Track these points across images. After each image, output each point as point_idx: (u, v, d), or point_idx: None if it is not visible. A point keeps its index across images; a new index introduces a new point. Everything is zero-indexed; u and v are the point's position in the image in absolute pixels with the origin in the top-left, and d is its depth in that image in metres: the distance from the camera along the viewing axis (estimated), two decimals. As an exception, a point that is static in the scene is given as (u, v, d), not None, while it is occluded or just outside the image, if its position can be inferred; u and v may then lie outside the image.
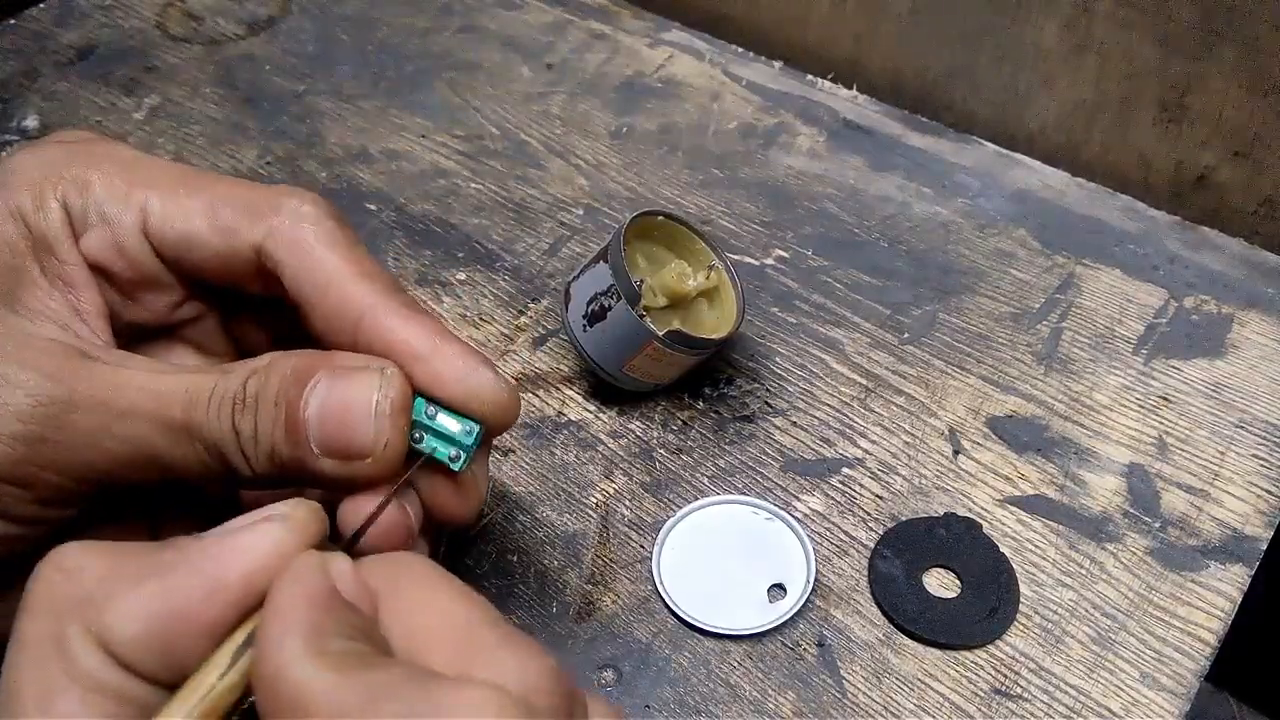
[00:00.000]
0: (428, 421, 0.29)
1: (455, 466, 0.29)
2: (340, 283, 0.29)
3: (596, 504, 0.43)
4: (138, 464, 0.28)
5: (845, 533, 0.42)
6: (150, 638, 0.21)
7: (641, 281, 0.42)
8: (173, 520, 0.32)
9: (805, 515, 0.43)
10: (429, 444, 0.29)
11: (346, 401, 0.27)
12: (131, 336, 0.32)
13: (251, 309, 0.34)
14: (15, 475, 0.27)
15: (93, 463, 0.27)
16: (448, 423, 0.29)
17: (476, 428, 0.29)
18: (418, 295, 0.52)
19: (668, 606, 0.40)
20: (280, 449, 0.27)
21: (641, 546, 0.42)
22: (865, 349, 0.49)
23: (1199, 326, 0.49)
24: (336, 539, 0.29)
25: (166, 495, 0.31)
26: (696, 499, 0.43)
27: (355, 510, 0.28)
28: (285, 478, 0.28)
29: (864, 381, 0.48)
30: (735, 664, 0.39)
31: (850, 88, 0.63)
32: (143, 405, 0.27)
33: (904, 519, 0.42)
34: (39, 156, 0.31)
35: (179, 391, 0.28)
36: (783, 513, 0.42)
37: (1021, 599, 0.40)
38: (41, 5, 0.70)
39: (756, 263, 0.53)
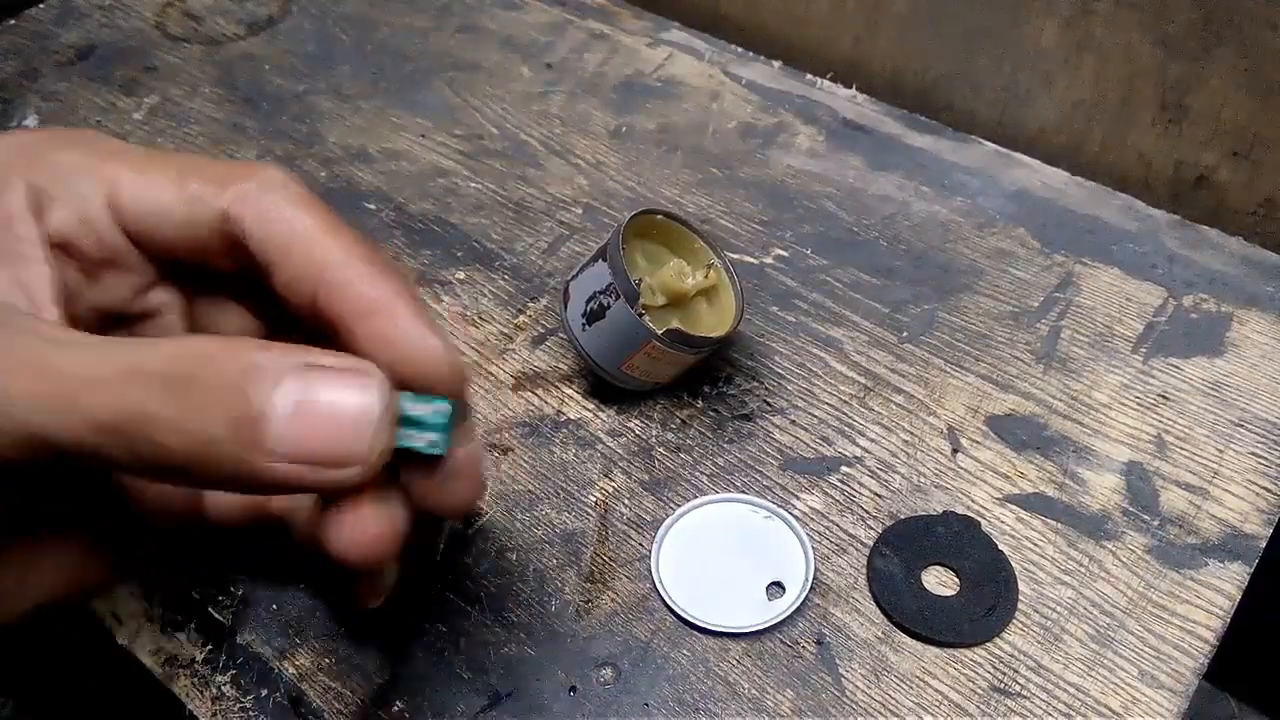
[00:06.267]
0: (403, 412, 0.26)
1: (435, 452, 0.26)
2: (305, 240, 0.28)
3: (595, 502, 0.43)
4: (27, 445, 0.23)
5: (844, 531, 0.42)
6: None
7: (640, 280, 0.42)
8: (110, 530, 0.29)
9: (804, 513, 0.43)
10: (398, 435, 0.26)
11: (335, 404, 0.24)
12: (97, 325, 0.31)
13: (225, 294, 0.33)
14: None
15: None
16: (413, 407, 0.26)
17: (447, 407, 0.26)
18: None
19: (666, 605, 0.40)
20: (218, 443, 0.23)
21: (640, 545, 0.42)
22: (864, 348, 0.49)
23: (1198, 325, 0.49)
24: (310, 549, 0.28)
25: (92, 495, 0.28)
26: (695, 497, 0.43)
27: (341, 524, 0.26)
28: (202, 476, 0.23)
29: (863, 380, 0.48)
30: (734, 662, 0.39)
31: (850, 87, 0.63)
32: (31, 372, 0.23)
33: (903, 517, 0.42)
34: (5, 140, 0.30)
35: (81, 359, 0.23)
36: (782, 511, 0.42)
37: (1020, 597, 0.40)
38: (41, 5, 0.70)
39: (756, 262, 0.53)
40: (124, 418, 0.22)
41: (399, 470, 0.27)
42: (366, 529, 0.26)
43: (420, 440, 0.26)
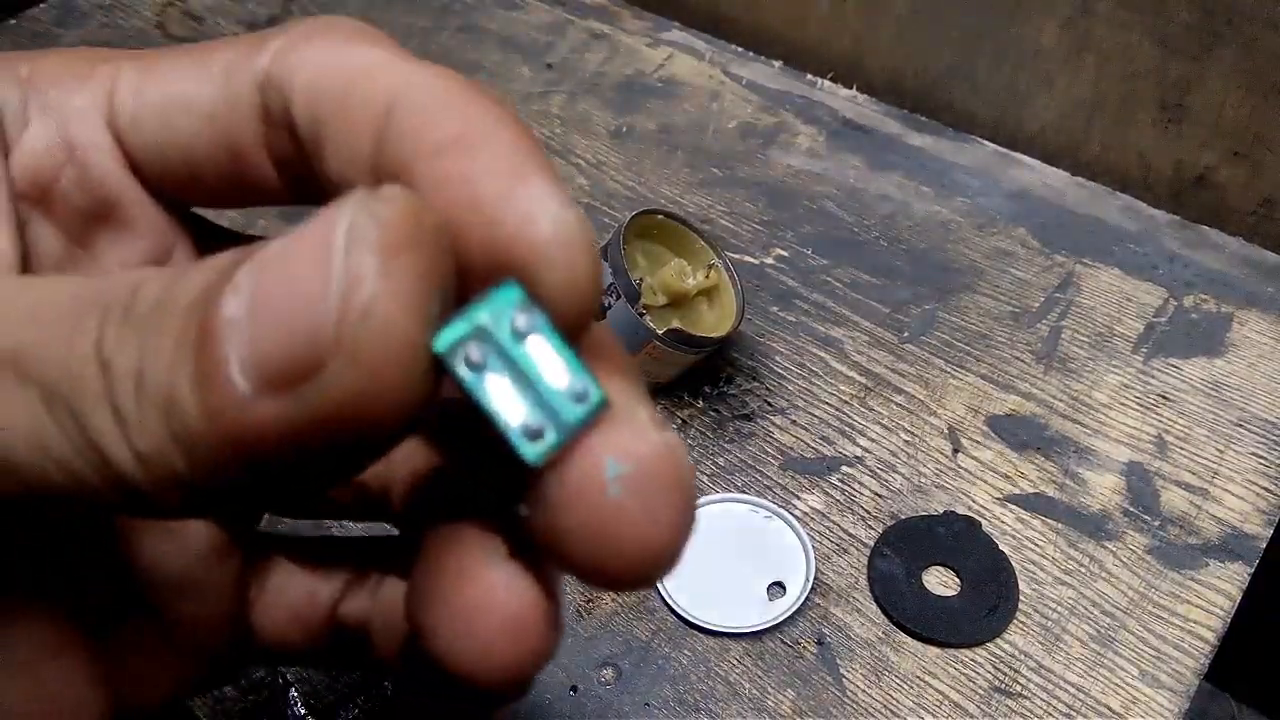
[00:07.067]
0: (508, 342, 0.14)
1: (528, 452, 0.14)
2: (368, 76, 0.17)
3: (596, 502, 0.43)
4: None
5: (845, 531, 0.42)
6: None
7: (641, 280, 0.42)
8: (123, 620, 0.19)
9: (805, 513, 0.43)
10: (486, 391, 0.14)
11: (292, 262, 0.13)
12: None
13: None
14: None
15: None
16: (548, 363, 0.14)
17: (596, 393, 0.14)
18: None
19: (667, 605, 0.40)
20: (180, 394, 0.13)
21: (641, 545, 0.42)
22: (865, 348, 0.49)
23: (1198, 325, 0.49)
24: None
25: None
26: (696, 497, 0.43)
27: (448, 602, 0.16)
28: (190, 477, 0.13)
29: (863, 380, 0.48)
30: (735, 662, 0.39)
31: (850, 87, 0.63)
32: None
33: (903, 517, 0.42)
34: None
35: (23, 307, 0.14)
36: (782, 511, 0.42)
37: (1021, 597, 0.40)
38: (42, 5, 0.70)
39: (756, 262, 0.53)
40: (78, 380, 0.14)
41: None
42: (494, 604, 0.15)
43: (510, 418, 0.14)
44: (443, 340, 0.14)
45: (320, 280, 0.13)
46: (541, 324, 0.14)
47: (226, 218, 0.42)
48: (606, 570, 0.15)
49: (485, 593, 0.15)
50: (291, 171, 0.19)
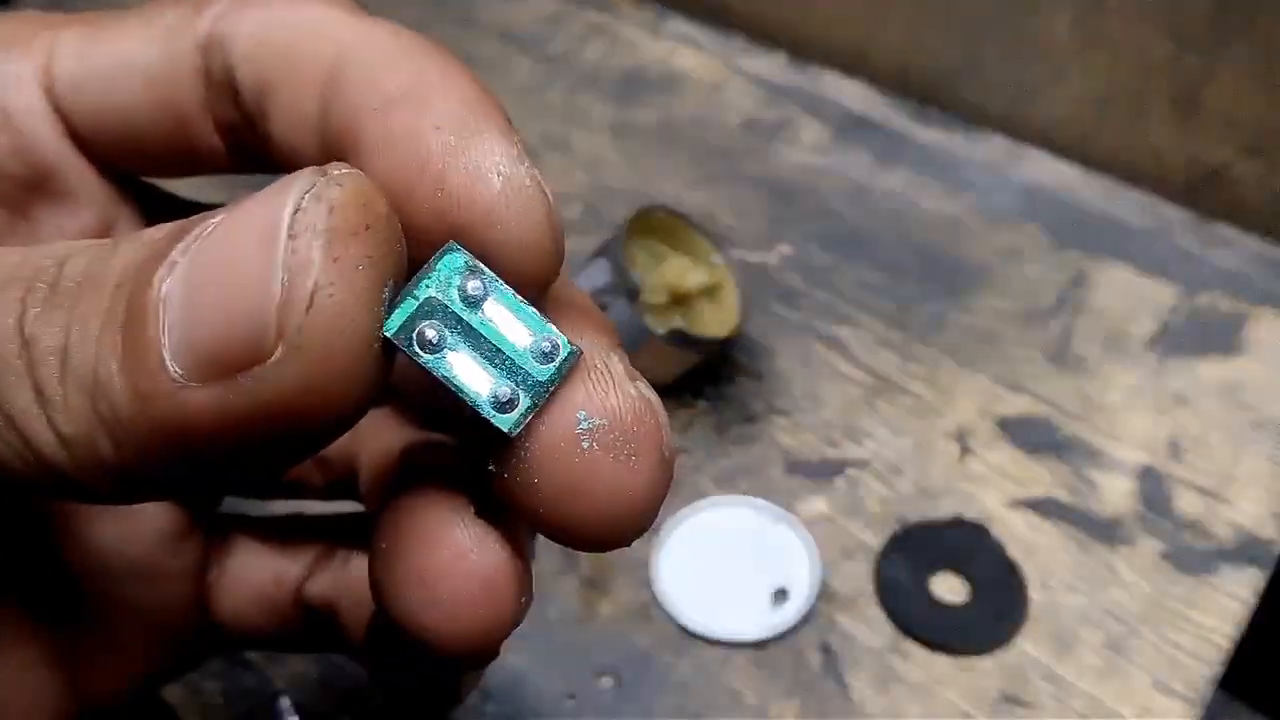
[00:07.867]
0: (462, 312, 0.14)
1: (502, 422, 0.14)
2: (313, 33, 0.16)
3: (596, 505, 0.42)
4: None
5: (851, 536, 0.41)
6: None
7: (642, 278, 0.42)
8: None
9: (810, 518, 0.42)
10: (448, 367, 0.14)
11: (233, 245, 0.12)
12: None
13: None
14: None
15: None
16: (508, 325, 0.14)
17: (564, 346, 0.14)
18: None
19: (667, 612, 0.39)
20: (107, 375, 0.12)
21: (641, 550, 0.41)
22: (871, 347, 0.48)
23: (1213, 324, 0.48)
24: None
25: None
26: (698, 501, 0.42)
27: (414, 569, 0.15)
28: (118, 462, 0.13)
29: (870, 381, 0.47)
30: (738, 670, 0.38)
31: (857, 80, 0.62)
32: None
33: (911, 522, 0.41)
34: None
35: None
36: (787, 515, 0.41)
37: (1031, 604, 0.39)
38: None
39: (760, 259, 0.52)
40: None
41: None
42: (463, 564, 0.15)
43: (477, 389, 0.14)
44: (394, 323, 0.13)
45: (263, 264, 0.12)
46: (494, 286, 0.14)
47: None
48: (579, 528, 0.14)
49: (453, 553, 0.15)
50: (237, 138, 0.18)
